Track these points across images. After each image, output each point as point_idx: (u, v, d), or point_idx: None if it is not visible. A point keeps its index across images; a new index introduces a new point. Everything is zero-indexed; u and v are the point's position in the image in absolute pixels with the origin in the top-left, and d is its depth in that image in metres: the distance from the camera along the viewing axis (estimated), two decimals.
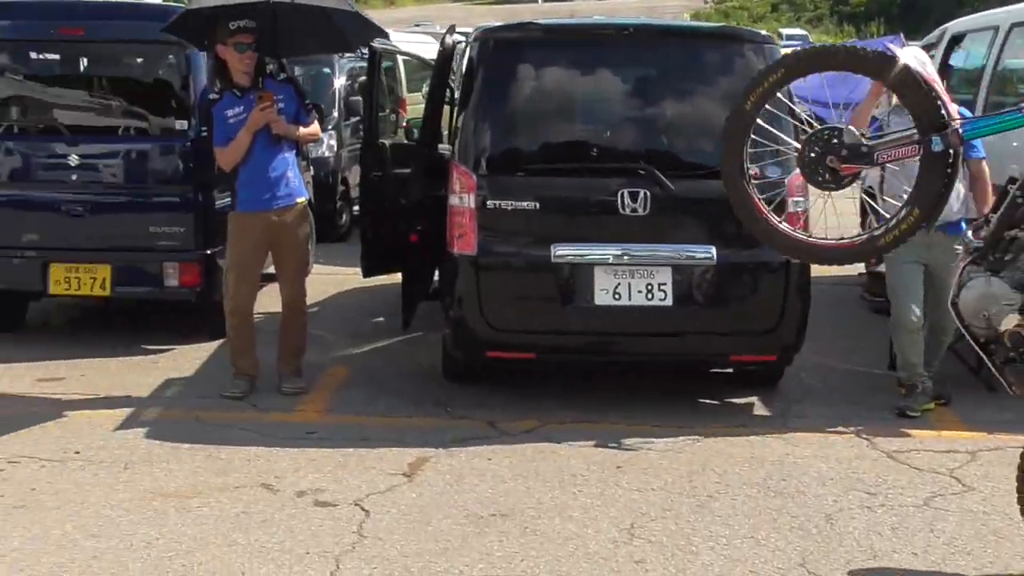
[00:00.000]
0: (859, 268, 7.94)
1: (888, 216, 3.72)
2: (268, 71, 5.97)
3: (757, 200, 3.77)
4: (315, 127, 5.93)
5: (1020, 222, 3.63)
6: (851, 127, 3.70)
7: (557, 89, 5.87)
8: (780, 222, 3.85)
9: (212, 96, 5.97)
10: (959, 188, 5.17)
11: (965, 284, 3.72)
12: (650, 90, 5.92)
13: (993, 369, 3.75)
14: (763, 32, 6.27)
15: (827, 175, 3.64)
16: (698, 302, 5.52)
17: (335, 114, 11.07)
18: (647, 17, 26.29)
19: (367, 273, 6.78)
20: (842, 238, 3.89)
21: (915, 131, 3.55)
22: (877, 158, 3.67)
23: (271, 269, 6.39)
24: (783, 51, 4.08)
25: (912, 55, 3.69)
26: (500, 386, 6.18)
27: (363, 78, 9.39)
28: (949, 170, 3.57)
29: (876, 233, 3.73)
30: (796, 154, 3.73)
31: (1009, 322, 3.66)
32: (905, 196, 3.67)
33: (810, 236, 4.01)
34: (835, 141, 3.64)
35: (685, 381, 6.29)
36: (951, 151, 3.52)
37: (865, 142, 3.67)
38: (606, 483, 4.81)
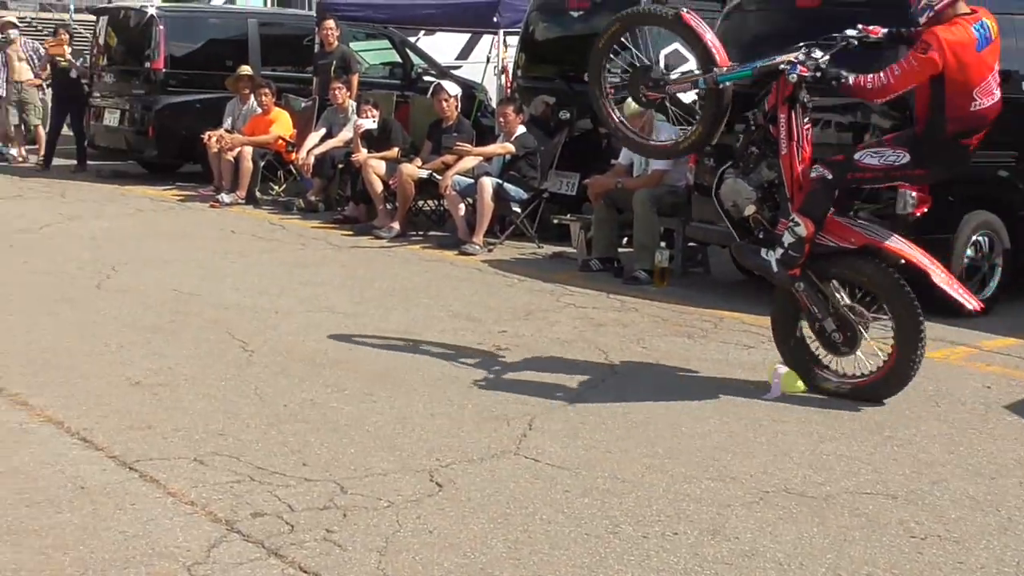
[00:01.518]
0: None
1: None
2: None
3: (610, 109, 7.03)
4: None
5: (755, 142, 6.63)
6: (658, 65, 7.39)
7: None
8: (624, 124, 7.27)
9: None
10: None
11: (723, 181, 6.75)
12: None
13: (771, 266, 6.49)
14: None
15: (644, 98, 6.94)
16: None
17: None
18: None
19: None
20: (664, 141, 7.87)
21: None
22: (668, 89, 6.88)
23: None
24: None
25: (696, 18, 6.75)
26: None
27: None
28: (716, 103, 6.55)
29: (680, 139, 7.01)
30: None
31: (749, 210, 6.64)
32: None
33: (642, 137, 7.86)
34: (646, 75, 6.87)
35: None
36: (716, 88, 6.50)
37: (663, 78, 6.93)
38: None
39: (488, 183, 10.94)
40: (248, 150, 13.72)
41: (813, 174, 6.34)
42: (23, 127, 17.60)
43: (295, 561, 4.26)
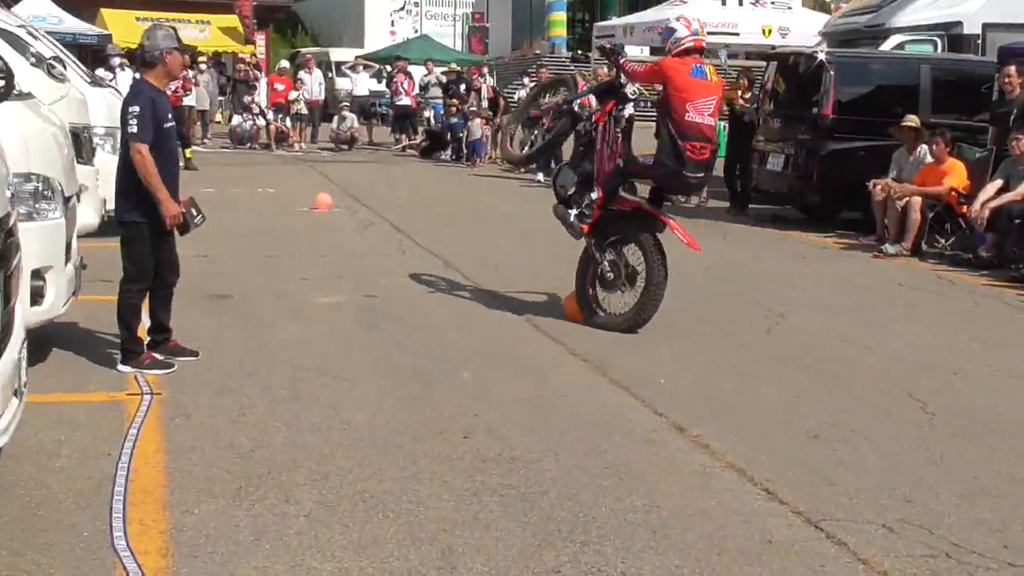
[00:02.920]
0: None
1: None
2: None
3: (508, 140, 11.03)
4: None
5: (583, 145, 9.30)
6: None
7: None
8: (510, 145, 11.01)
9: None
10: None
11: (557, 172, 9.72)
12: None
13: (569, 218, 9.12)
14: None
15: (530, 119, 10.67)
16: None
17: None
18: None
19: None
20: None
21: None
22: (543, 109, 10.23)
23: None
24: None
25: None
26: None
27: None
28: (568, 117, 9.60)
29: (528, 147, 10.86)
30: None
31: (571, 190, 9.20)
32: None
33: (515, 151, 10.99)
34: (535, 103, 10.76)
35: None
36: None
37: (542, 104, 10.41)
38: None
39: None
40: (917, 200, 13.29)
41: (611, 163, 9.05)
42: None
43: None
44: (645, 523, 5.02)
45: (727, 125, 17.77)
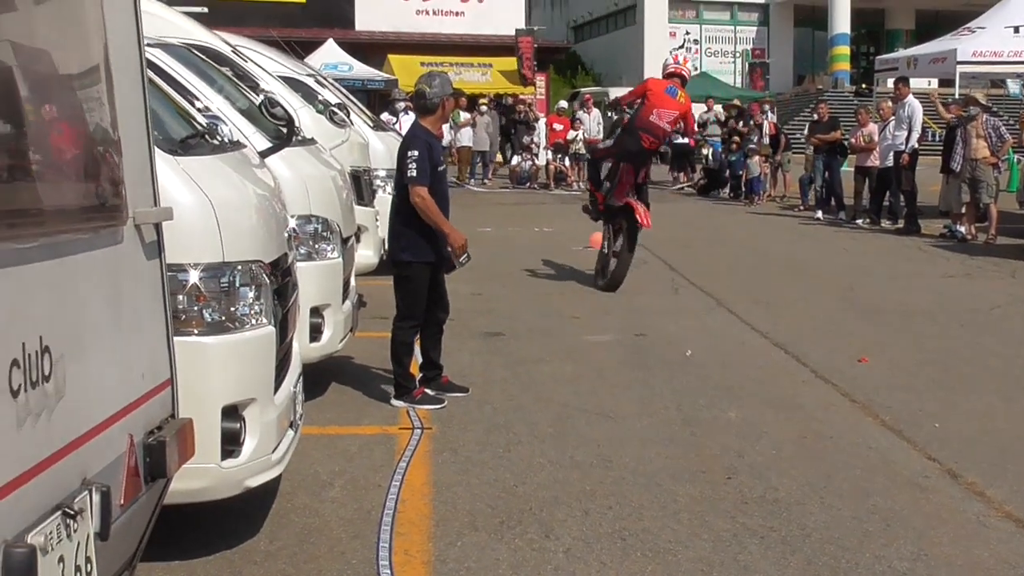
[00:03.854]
0: None
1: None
2: None
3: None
4: None
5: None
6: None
7: None
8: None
9: None
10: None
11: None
12: None
13: (589, 206, 13.26)
14: None
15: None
16: None
17: None
18: None
19: None
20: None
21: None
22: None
23: None
24: None
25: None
26: None
27: None
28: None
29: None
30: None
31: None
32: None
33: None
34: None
35: None
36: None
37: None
38: None
39: None
40: None
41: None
42: (975, 205, 17.63)
43: None
44: (911, 572, 4.85)
45: (1022, 159, 16.98)
